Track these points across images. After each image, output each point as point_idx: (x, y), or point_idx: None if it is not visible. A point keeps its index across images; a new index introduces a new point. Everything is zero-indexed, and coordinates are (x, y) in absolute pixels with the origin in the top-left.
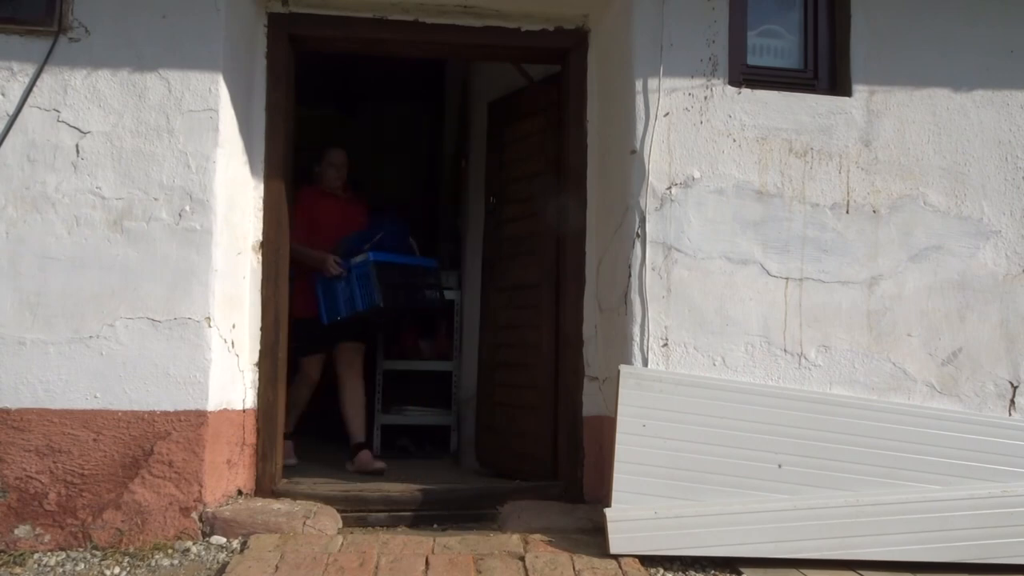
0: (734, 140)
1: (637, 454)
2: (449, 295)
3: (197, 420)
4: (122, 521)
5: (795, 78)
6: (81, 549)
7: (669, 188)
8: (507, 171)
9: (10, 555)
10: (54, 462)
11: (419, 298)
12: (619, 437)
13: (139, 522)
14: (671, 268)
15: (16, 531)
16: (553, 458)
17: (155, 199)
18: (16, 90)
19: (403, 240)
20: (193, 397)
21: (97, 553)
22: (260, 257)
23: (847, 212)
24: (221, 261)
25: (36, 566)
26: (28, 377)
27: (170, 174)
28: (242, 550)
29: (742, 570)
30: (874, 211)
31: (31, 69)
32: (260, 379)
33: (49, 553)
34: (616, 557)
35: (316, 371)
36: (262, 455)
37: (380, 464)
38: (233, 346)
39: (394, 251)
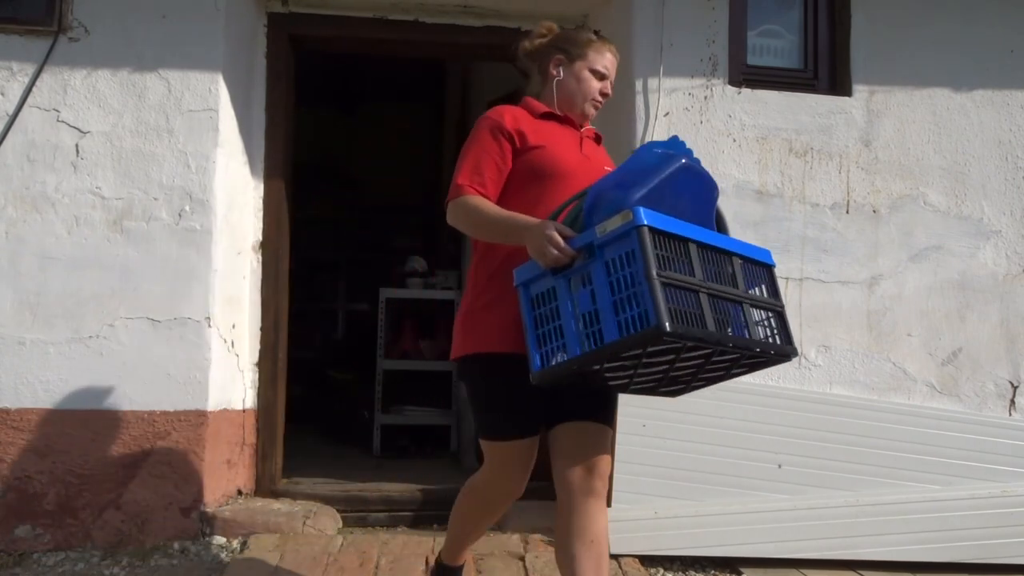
0: (734, 140)
1: (637, 454)
2: (449, 295)
3: (197, 420)
4: (122, 521)
5: (795, 78)
6: (81, 549)
7: None
8: None
9: (10, 555)
10: (54, 462)
11: (737, 324)
12: (619, 437)
13: (139, 522)
14: None
15: (16, 531)
16: None
17: (155, 199)
18: (16, 90)
19: (707, 198)
20: (193, 397)
21: (97, 553)
22: (260, 257)
23: (847, 212)
24: (221, 261)
25: (36, 566)
26: (28, 377)
27: (170, 174)
28: (242, 550)
29: (742, 570)
30: (874, 211)
31: (31, 69)
32: (260, 379)
33: (49, 553)
34: (616, 557)
35: (515, 468)
36: (262, 455)
37: None
38: (233, 346)
39: (693, 220)
